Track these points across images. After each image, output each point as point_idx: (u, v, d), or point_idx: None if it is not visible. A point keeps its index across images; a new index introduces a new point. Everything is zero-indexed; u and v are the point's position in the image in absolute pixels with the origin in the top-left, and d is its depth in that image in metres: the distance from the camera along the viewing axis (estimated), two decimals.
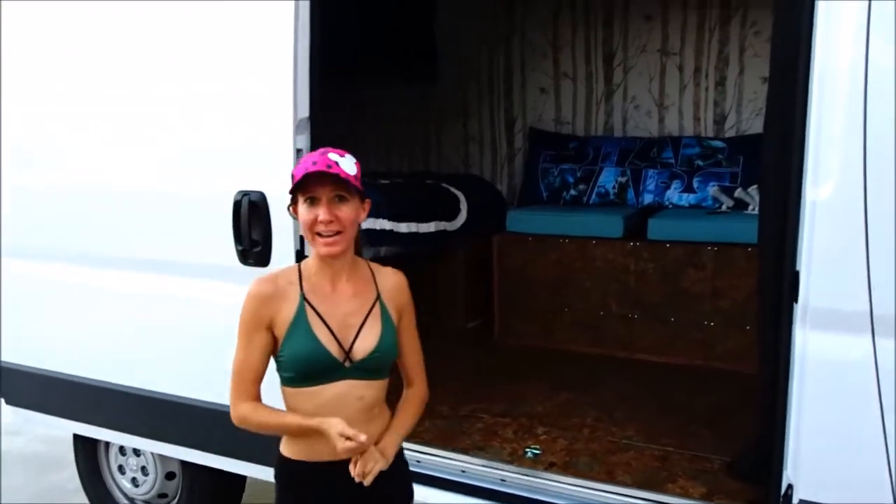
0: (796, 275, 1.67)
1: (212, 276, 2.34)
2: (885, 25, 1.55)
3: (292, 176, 1.55)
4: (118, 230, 2.55)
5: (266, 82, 2.19)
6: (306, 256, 2.18)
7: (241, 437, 2.34)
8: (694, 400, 2.98)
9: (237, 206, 2.22)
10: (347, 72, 3.83)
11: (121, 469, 2.99)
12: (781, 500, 1.78)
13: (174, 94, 2.38)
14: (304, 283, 1.59)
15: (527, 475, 2.31)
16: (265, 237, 2.20)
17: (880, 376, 1.58)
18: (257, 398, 1.60)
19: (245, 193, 2.21)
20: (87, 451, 3.04)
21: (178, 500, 2.85)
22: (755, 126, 3.78)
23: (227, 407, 2.33)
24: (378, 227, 3.18)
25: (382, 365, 1.61)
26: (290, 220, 2.17)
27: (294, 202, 1.56)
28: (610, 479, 2.29)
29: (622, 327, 3.57)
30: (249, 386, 1.58)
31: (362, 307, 1.59)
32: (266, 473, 2.40)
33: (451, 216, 3.71)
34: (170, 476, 2.85)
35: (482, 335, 3.84)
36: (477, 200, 3.90)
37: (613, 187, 3.97)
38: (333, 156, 1.53)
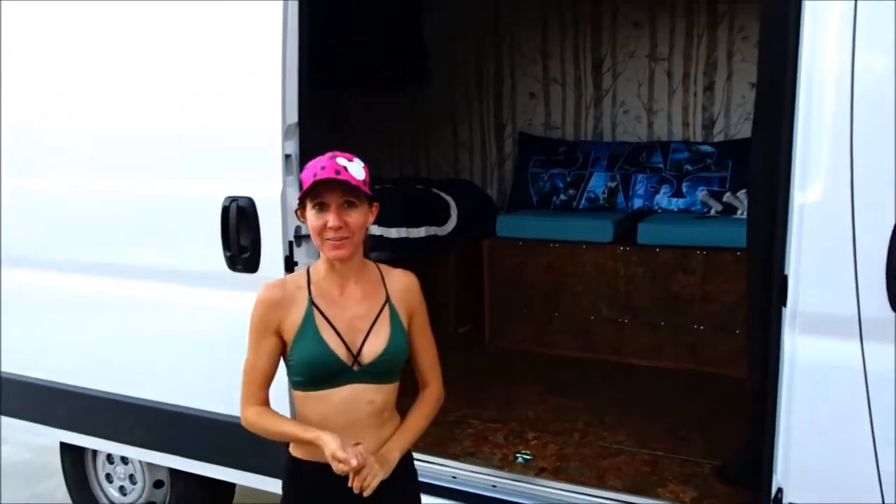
0: (785, 279, 1.68)
1: (200, 282, 2.33)
2: (870, 29, 1.56)
3: (300, 181, 1.55)
4: (103, 236, 2.53)
5: (254, 87, 2.18)
6: (295, 262, 2.19)
7: (230, 445, 2.35)
8: (684, 404, 2.98)
9: (225, 211, 2.20)
10: (337, 77, 3.82)
11: (108, 477, 2.96)
12: (771, 503, 1.78)
13: (162, 99, 2.36)
14: (312, 288, 1.59)
15: (518, 481, 2.31)
16: (254, 243, 2.19)
17: (869, 380, 1.59)
18: (265, 402, 1.61)
19: (233, 199, 2.20)
20: (73, 460, 3.01)
21: None
22: (743, 131, 3.80)
23: (217, 414, 2.35)
24: (368, 233, 3.16)
25: (392, 368, 1.60)
26: (279, 225, 2.17)
27: (302, 207, 1.56)
28: (601, 483, 2.29)
29: (612, 332, 3.57)
30: (257, 389, 1.59)
31: (371, 310, 1.59)
32: (255, 481, 2.40)
33: (442, 221, 3.71)
34: (158, 484, 2.83)
35: (473, 340, 3.83)
36: (467, 205, 3.90)
37: (603, 192, 3.98)
38: (342, 160, 1.53)
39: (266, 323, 1.57)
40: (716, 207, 3.66)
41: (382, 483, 1.51)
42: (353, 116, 4.56)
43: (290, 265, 2.16)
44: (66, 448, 3.00)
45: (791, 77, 1.65)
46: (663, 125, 4.06)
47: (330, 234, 1.51)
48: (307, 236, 2.20)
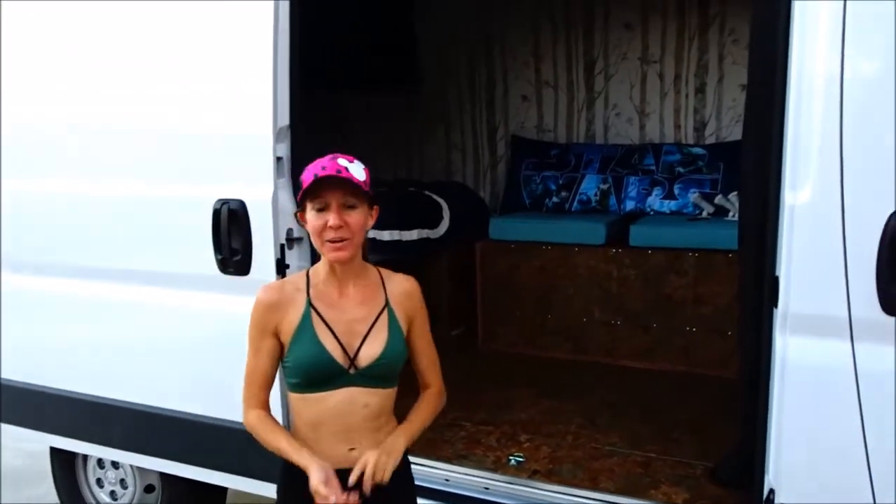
0: (776, 280, 1.68)
1: (191, 285, 2.32)
2: (859, 31, 1.56)
3: (300, 182, 1.54)
4: (91, 240, 2.52)
5: (245, 90, 2.18)
6: (287, 265, 2.18)
7: (221, 449, 2.34)
8: (676, 406, 2.98)
9: (216, 214, 2.20)
10: (329, 80, 3.82)
11: (99, 482, 2.94)
12: None
13: (152, 102, 2.35)
14: (311, 290, 1.58)
15: (511, 483, 2.31)
16: (245, 246, 2.18)
17: (860, 380, 1.59)
18: (266, 404, 1.61)
19: (224, 202, 2.19)
20: (64, 465, 2.99)
21: None
22: (735, 133, 3.81)
23: (208, 418, 2.34)
24: None
25: (388, 372, 1.59)
26: (270, 228, 2.16)
27: (302, 208, 1.55)
28: (593, 485, 2.29)
29: (605, 334, 3.58)
30: (258, 391, 1.59)
31: (369, 314, 1.58)
32: (247, 485, 2.38)
33: (434, 224, 3.71)
34: (149, 489, 2.81)
35: (466, 343, 3.83)
36: (460, 208, 3.90)
37: (595, 194, 3.98)
38: (343, 161, 1.52)
39: (264, 325, 1.57)
40: (707, 209, 3.67)
41: (379, 487, 1.51)
42: (344, 119, 4.56)
43: (281, 268, 2.15)
44: (56, 453, 2.98)
45: (781, 79, 1.65)
46: (655, 127, 4.07)
47: (330, 235, 1.50)
48: (298, 239, 2.20)
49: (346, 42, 3.89)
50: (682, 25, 3.93)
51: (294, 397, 1.60)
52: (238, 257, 2.19)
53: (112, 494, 2.91)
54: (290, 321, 1.55)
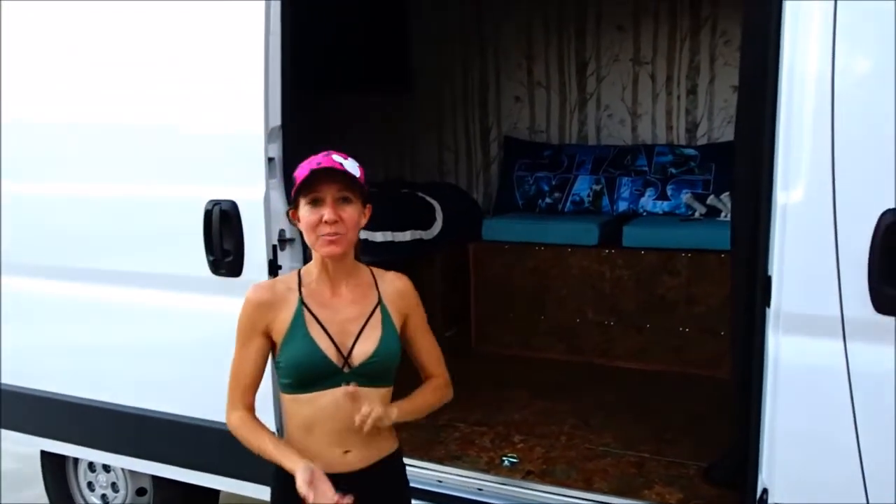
0: (768, 279, 1.69)
1: (182, 287, 2.31)
2: (850, 32, 1.57)
3: (294, 178, 1.52)
4: (81, 241, 2.50)
5: (237, 90, 2.17)
6: (279, 266, 2.17)
7: (214, 451, 2.33)
8: (670, 406, 2.99)
9: (208, 215, 2.18)
10: (321, 81, 3.81)
11: (90, 486, 2.92)
12: None
13: (143, 102, 2.35)
14: (303, 289, 1.57)
15: (504, 484, 2.30)
16: (237, 247, 2.17)
17: (852, 379, 1.59)
18: (251, 407, 1.58)
19: (216, 202, 2.18)
20: (55, 469, 2.96)
21: None
22: (726, 134, 3.82)
23: (200, 420, 2.33)
24: None
25: (383, 371, 1.57)
26: (262, 229, 2.15)
27: (294, 206, 1.54)
28: (587, 486, 2.29)
29: (598, 334, 3.58)
30: (242, 393, 1.57)
31: (362, 312, 1.57)
32: (240, 487, 2.37)
33: (427, 225, 3.70)
34: (141, 492, 2.79)
35: (460, 344, 3.82)
36: (452, 209, 3.89)
37: (588, 195, 3.99)
38: (338, 157, 1.52)
39: (253, 324, 1.55)
40: (700, 210, 3.68)
41: (373, 489, 1.50)
42: (337, 120, 4.54)
43: (273, 269, 2.14)
44: (47, 456, 2.96)
45: (772, 79, 1.66)
46: (647, 128, 4.08)
47: (325, 230, 1.49)
48: (291, 240, 2.19)
49: (338, 43, 3.89)
50: (673, 27, 3.94)
51: (287, 399, 1.58)
52: (230, 258, 2.18)
53: (103, 498, 2.89)
54: (283, 320, 1.54)
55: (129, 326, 2.47)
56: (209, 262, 2.21)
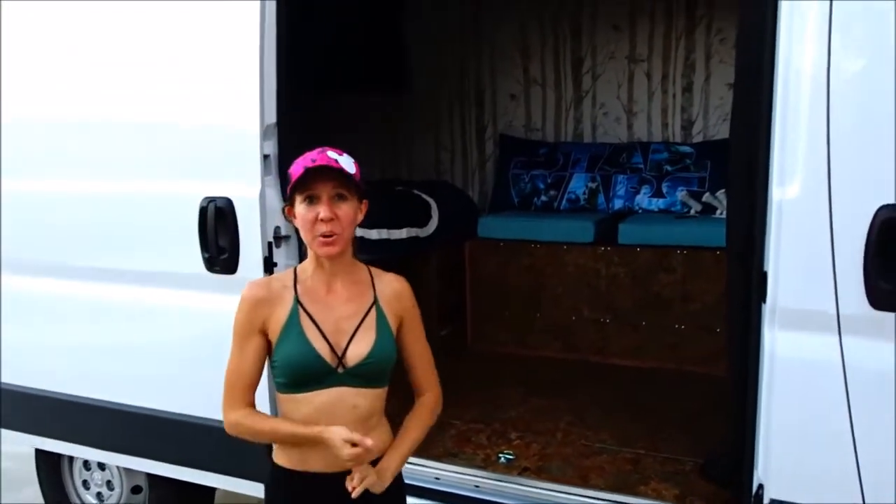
0: (764, 275, 1.69)
1: (177, 284, 2.30)
2: (846, 29, 1.57)
3: (289, 175, 1.51)
4: (74, 238, 2.49)
5: (232, 87, 2.16)
6: (275, 263, 2.16)
7: (209, 449, 2.32)
8: (666, 403, 2.99)
9: (203, 212, 2.18)
10: (317, 80, 3.80)
11: (85, 484, 2.91)
12: (753, 500, 1.79)
13: (139, 99, 2.34)
14: (298, 287, 1.56)
15: (501, 481, 2.30)
16: (232, 244, 2.16)
17: (847, 375, 1.60)
18: (251, 405, 1.56)
19: (211, 200, 2.17)
20: (49, 467, 2.95)
21: None
22: (722, 132, 3.83)
23: (195, 417, 2.32)
24: None
25: (377, 372, 1.57)
26: (257, 226, 2.15)
27: (290, 202, 1.53)
28: (583, 482, 2.29)
29: (594, 332, 3.58)
30: (242, 393, 1.55)
31: (357, 312, 1.56)
32: (235, 485, 2.37)
33: (423, 223, 3.70)
34: (136, 490, 2.79)
35: (455, 342, 3.82)
36: (448, 207, 3.88)
37: (584, 193, 3.99)
38: (333, 153, 1.50)
39: (251, 322, 1.54)
40: (695, 207, 3.69)
41: (370, 494, 1.50)
42: (333, 118, 4.52)
43: (269, 266, 2.14)
44: (41, 455, 2.95)
45: (768, 76, 1.66)
46: (643, 126, 4.08)
47: (322, 229, 1.48)
48: (286, 237, 2.19)
49: (334, 41, 3.88)
50: (669, 25, 3.94)
51: (282, 398, 1.58)
52: (225, 256, 2.17)
53: (99, 496, 2.88)
54: (278, 318, 1.53)
55: (123, 324, 2.46)
56: (204, 259, 2.20)
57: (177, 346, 2.36)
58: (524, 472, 2.37)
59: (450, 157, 4.59)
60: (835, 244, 1.57)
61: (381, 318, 1.58)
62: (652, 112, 4.05)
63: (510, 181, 4.18)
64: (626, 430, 2.70)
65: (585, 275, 3.56)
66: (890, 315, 1.55)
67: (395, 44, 4.42)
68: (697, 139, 3.96)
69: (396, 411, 1.67)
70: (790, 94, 1.63)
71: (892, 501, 1.58)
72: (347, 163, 1.51)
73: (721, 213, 3.51)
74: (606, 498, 2.18)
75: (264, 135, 2.12)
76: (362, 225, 1.61)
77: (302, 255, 2.17)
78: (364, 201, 1.56)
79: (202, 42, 2.22)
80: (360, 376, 1.54)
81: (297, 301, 1.54)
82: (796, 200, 1.63)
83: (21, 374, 2.69)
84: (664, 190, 3.84)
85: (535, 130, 4.33)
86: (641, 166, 3.94)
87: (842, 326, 1.59)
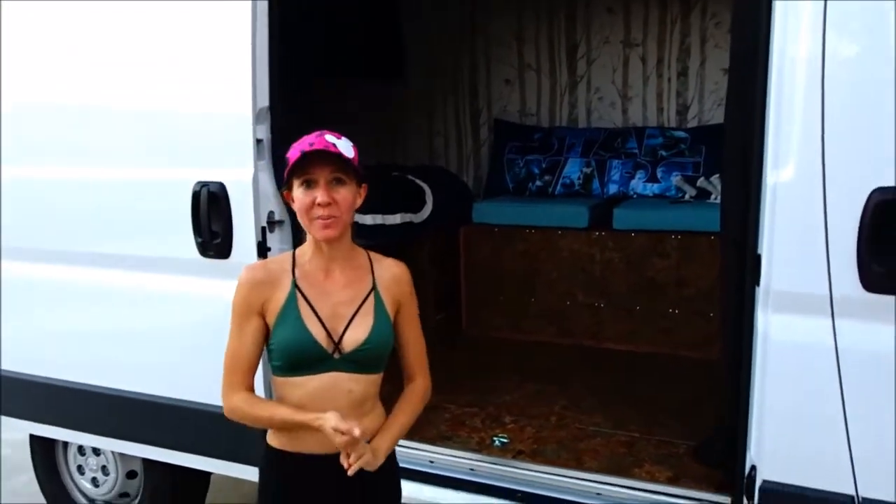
0: (758, 258, 1.69)
1: (171, 269, 2.29)
2: (841, 14, 1.57)
3: (287, 159, 1.50)
4: (69, 224, 2.48)
5: (224, 71, 2.15)
6: (268, 248, 2.16)
7: (204, 433, 2.32)
8: (659, 387, 3.01)
9: (196, 197, 2.17)
10: (311, 65, 3.77)
11: (80, 469, 2.91)
12: (745, 481, 1.80)
13: (130, 84, 2.32)
14: (296, 270, 1.55)
15: (495, 463, 2.31)
16: (225, 229, 2.16)
17: (840, 357, 1.61)
18: (250, 389, 1.56)
19: (204, 184, 2.16)
20: (44, 453, 2.95)
21: (141, 498, 2.79)
22: (717, 116, 3.82)
23: (190, 402, 2.32)
24: None
25: (373, 358, 1.56)
26: (250, 210, 2.14)
27: (288, 186, 1.51)
28: (577, 465, 2.30)
29: (589, 317, 3.59)
30: (242, 376, 1.54)
31: (355, 297, 1.55)
32: (230, 469, 2.37)
33: (417, 208, 3.69)
34: (131, 475, 2.79)
35: (450, 327, 3.83)
36: (443, 192, 3.88)
37: (578, 178, 3.98)
38: (331, 137, 1.49)
39: (249, 304, 1.53)
40: (690, 192, 3.69)
41: (364, 474, 1.49)
42: (327, 104, 4.50)
43: (262, 251, 2.13)
44: (36, 441, 2.95)
45: (763, 60, 1.66)
46: (638, 111, 4.07)
47: (319, 212, 1.47)
48: (280, 222, 2.18)
49: (328, 27, 3.84)
50: (664, 9, 3.92)
51: (278, 381, 1.57)
52: (218, 240, 2.16)
53: (94, 481, 2.88)
54: (276, 301, 1.52)
55: (116, 309, 2.45)
56: (197, 244, 2.19)
57: (171, 331, 2.36)
58: (518, 455, 2.38)
59: (444, 143, 4.58)
60: (828, 227, 1.58)
61: (379, 304, 1.57)
62: (647, 97, 4.04)
63: (505, 166, 4.18)
64: (619, 414, 2.71)
65: (580, 260, 3.56)
66: (883, 297, 1.55)
67: (389, 29, 4.39)
68: (692, 124, 3.95)
69: (393, 397, 1.68)
70: (785, 78, 1.63)
71: (883, 482, 1.59)
72: (346, 147, 1.50)
73: (715, 198, 3.51)
74: (600, 480, 2.19)
75: (257, 119, 2.11)
76: (356, 210, 1.60)
77: (296, 240, 2.16)
78: (363, 185, 1.55)
79: (195, 28, 2.20)
80: (356, 362, 1.54)
81: (295, 285, 1.53)
82: (790, 183, 1.63)
83: (14, 359, 2.68)
84: (659, 175, 3.84)
85: (530, 115, 4.32)
86: (636, 151, 3.93)
87: (835, 309, 1.60)
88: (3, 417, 2.84)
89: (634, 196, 3.86)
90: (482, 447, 2.43)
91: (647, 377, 3.15)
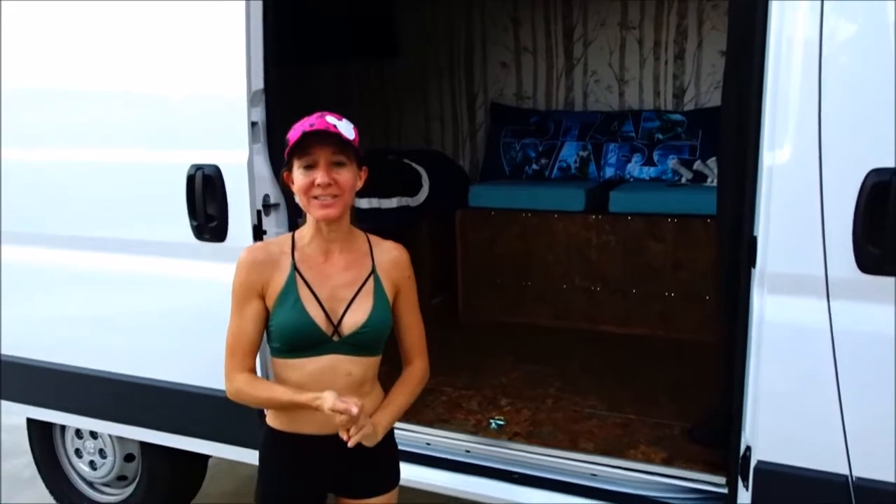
0: (754, 240, 1.70)
1: (166, 252, 2.29)
2: None
3: (287, 140, 1.49)
4: (63, 207, 2.47)
5: (219, 53, 2.13)
6: (264, 231, 2.15)
7: (202, 416, 2.33)
8: (655, 370, 3.02)
9: (191, 180, 2.16)
10: (306, 48, 3.74)
11: (78, 453, 2.92)
12: (740, 461, 1.82)
13: (125, 67, 2.30)
14: (296, 253, 1.54)
15: (492, 445, 2.32)
16: (221, 212, 2.15)
17: (835, 338, 1.61)
18: (252, 370, 1.56)
19: (199, 167, 2.15)
20: (41, 436, 2.96)
21: (138, 481, 2.80)
22: (713, 99, 3.81)
23: (187, 385, 2.33)
24: None
25: (372, 341, 1.57)
26: (246, 193, 2.13)
27: (289, 167, 1.51)
28: (573, 446, 2.31)
29: (585, 300, 3.59)
30: (243, 357, 1.54)
31: (355, 280, 1.55)
32: (228, 452, 2.38)
33: (413, 192, 3.68)
34: (129, 458, 2.80)
35: (447, 311, 3.83)
36: (439, 176, 3.87)
37: (575, 161, 3.98)
38: (331, 118, 1.48)
39: (250, 285, 1.52)
40: (686, 175, 3.69)
41: (363, 456, 1.51)
42: (323, 87, 4.48)
43: (258, 234, 2.13)
44: (34, 424, 2.95)
45: (760, 43, 1.65)
46: (634, 94, 4.06)
47: (318, 192, 1.46)
48: (275, 205, 2.17)
49: (323, 8, 3.81)
50: None
51: (277, 362, 1.58)
52: (214, 224, 2.16)
53: (91, 465, 2.89)
54: (276, 283, 1.52)
55: (112, 293, 2.45)
56: (192, 227, 2.19)
57: (167, 314, 2.36)
58: (515, 437, 2.39)
59: (440, 126, 4.56)
60: (824, 208, 1.58)
61: (378, 287, 1.57)
62: (643, 80, 4.02)
63: (501, 150, 4.16)
64: (615, 396, 2.73)
65: (576, 243, 3.56)
66: (878, 279, 1.56)
67: (384, 12, 4.36)
68: (689, 107, 3.94)
69: (391, 378, 1.68)
70: (782, 60, 1.62)
71: (878, 462, 1.61)
72: (346, 128, 1.49)
73: (712, 182, 3.51)
74: (596, 461, 2.21)
75: (252, 101, 2.10)
76: None
77: (292, 224, 2.16)
78: (364, 168, 1.54)
79: (190, 10, 2.18)
80: (354, 345, 1.54)
81: (295, 267, 1.53)
82: (786, 165, 1.63)
83: (12, 343, 2.68)
84: (655, 158, 3.84)
85: (526, 99, 4.30)
86: (633, 134, 3.92)
87: (830, 290, 1.61)
88: (7, 403, 2.84)
89: (631, 179, 3.86)
90: (478, 429, 2.45)
91: (643, 359, 3.17)
